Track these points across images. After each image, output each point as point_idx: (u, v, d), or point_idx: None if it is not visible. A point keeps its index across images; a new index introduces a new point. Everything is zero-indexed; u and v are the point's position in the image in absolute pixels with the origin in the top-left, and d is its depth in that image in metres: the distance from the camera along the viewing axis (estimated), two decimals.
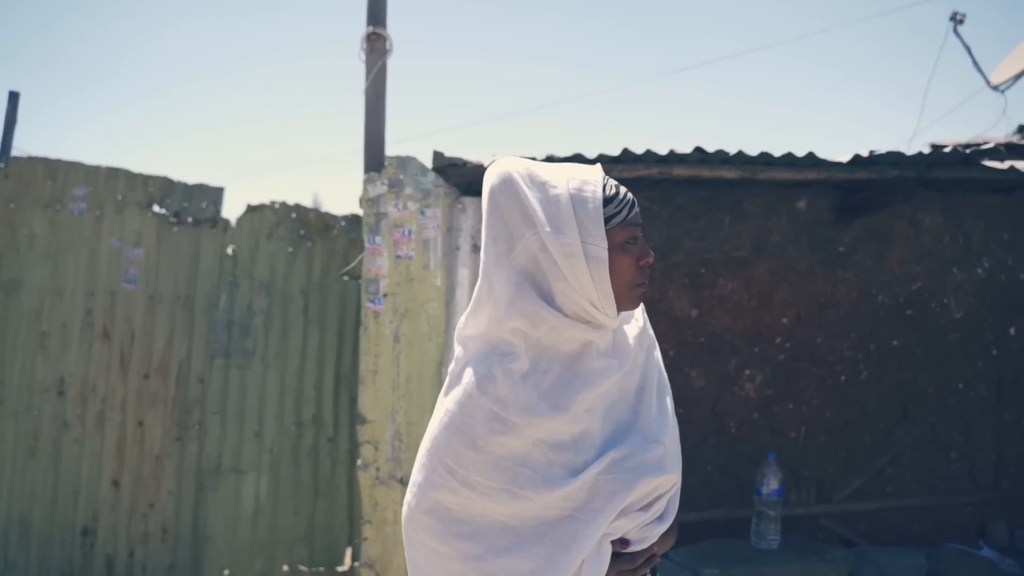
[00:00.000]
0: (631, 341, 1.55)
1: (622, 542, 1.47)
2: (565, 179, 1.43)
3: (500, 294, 1.44)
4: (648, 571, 1.52)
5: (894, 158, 3.83)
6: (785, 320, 4.50)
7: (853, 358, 4.56)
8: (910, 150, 4.00)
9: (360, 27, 4.06)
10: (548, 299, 1.43)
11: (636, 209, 1.47)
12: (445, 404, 1.49)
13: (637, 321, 1.59)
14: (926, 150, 4.44)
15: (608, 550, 1.45)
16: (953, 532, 4.61)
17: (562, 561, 1.40)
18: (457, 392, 1.47)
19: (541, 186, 1.42)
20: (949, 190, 4.53)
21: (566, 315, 1.43)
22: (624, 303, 1.47)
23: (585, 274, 1.40)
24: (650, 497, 1.48)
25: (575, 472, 1.42)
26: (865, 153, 3.75)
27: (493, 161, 3.58)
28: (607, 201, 1.43)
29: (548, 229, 1.39)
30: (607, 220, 1.42)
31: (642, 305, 1.59)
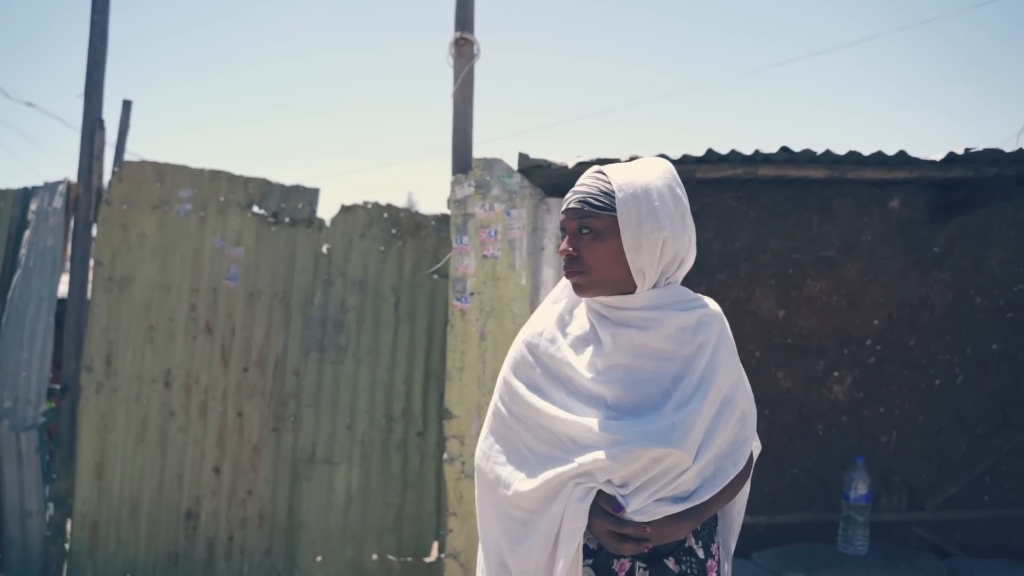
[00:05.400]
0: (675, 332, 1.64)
1: (615, 506, 1.54)
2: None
3: None
4: (640, 545, 1.53)
5: (992, 155, 3.70)
6: (876, 322, 4.40)
7: (948, 361, 4.43)
8: None
9: (449, 26, 4.14)
10: None
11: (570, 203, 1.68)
12: None
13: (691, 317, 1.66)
14: None
15: (589, 500, 1.54)
16: None
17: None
18: None
19: None
20: None
21: None
22: None
23: None
24: (652, 469, 1.53)
25: None
26: (960, 151, 3.64)
27: (577, 162, 3.63)
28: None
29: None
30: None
31: (704, 313, 1.68)
